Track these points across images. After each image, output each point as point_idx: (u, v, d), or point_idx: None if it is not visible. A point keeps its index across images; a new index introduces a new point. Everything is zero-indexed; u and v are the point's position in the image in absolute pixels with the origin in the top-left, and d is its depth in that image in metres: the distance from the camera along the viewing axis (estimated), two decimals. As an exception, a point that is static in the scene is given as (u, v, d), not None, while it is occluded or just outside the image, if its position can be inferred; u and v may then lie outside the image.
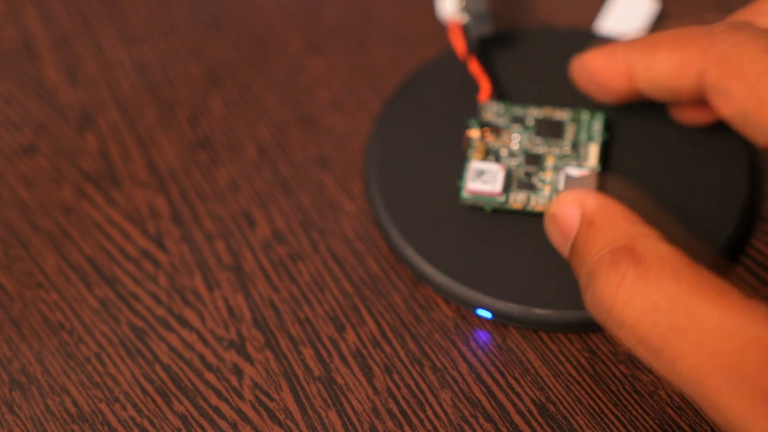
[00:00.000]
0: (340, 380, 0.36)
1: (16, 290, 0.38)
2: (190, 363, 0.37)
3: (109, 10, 0.45)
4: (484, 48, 0.42)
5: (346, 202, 0.40)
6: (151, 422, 0.36)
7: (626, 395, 0.35)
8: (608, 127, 0.40)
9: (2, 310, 0.38)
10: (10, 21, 0.45)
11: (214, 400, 0.36)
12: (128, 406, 0.36)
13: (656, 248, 0.31)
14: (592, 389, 0.36)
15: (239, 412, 0.36)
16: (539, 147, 0.39)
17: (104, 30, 0.45)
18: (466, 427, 0.35)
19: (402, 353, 0.37)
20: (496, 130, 0.39)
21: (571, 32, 0.43)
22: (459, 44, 0.41)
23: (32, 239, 0.39)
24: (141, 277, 0.38)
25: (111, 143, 0.42)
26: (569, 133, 0.39)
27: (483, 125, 0.39)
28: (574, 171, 0.38)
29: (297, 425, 0.35)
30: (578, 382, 0.36)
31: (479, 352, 0.36)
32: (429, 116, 0.41)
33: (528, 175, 0.38)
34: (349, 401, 0.36)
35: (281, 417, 0.36)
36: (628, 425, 0.35)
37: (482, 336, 0.37)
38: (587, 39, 0.42)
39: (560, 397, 0.36)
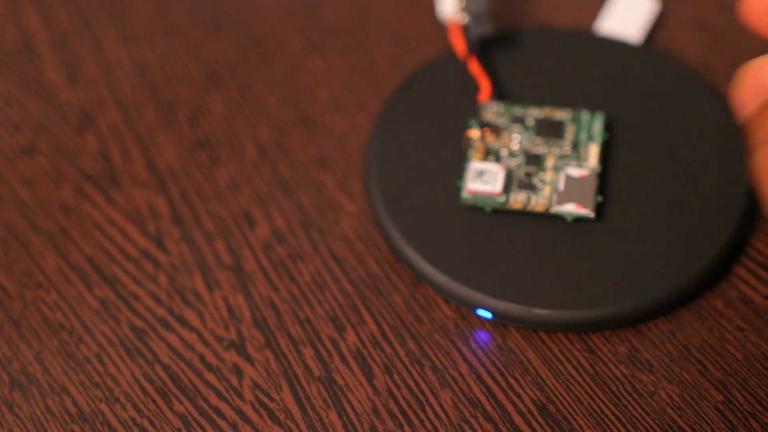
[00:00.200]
0: (340, 380, 0.36)
1: (16, 290, 0.38)
2: (190, 363, 0.37)
3: (109, 10, 0.45)
4: (484, 48, 0.42)
5: (346, 202, 0.40)
6: (151, 422, 0.36)
7: (626, 395, 0.35)
8: (608, 127, 0.40)
9: (2, 310, 0.38)
10: (10, 21, 0.45)
11: (214, 400, 0.36)
12: (128, 406, 0.36)
13: None
14: (592, 389, 0.36)
15: (239, 412, 0.36)
16: (539, 147, 0.39)
17: (104, 30, 0.45)
18: (466, 427, 0.35)
19: (402, 353, 0.37)
20: (496, 130, 0.39)
21: (571, 32, 0.43)
22: (459, 44, 0.41)
23: (32, 239, 0.39)
24: (141, 277, 0.38)
25: (111, 143, 0.42)
26: (569, 133, 0.39)
27: (483, 125, 0.39)
28: (574, 171, 0.38)
29: (297, 425, 0.35)
30: (578, 382, 0.36)
31: (479, 352, 0.36)
32: (429, 116, 0.40)
33: (528, 175, 0.38)
34: (349, 401, 0.36)
35: (281, 417, 0.35)
36: (628, 425, 0.35)
37: (482, 336, 0.37)
38: (587, 39, 0.42)
39: (560, 397, 0.36)
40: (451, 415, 0.35)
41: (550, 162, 0.39)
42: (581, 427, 0.35)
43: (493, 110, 0.40)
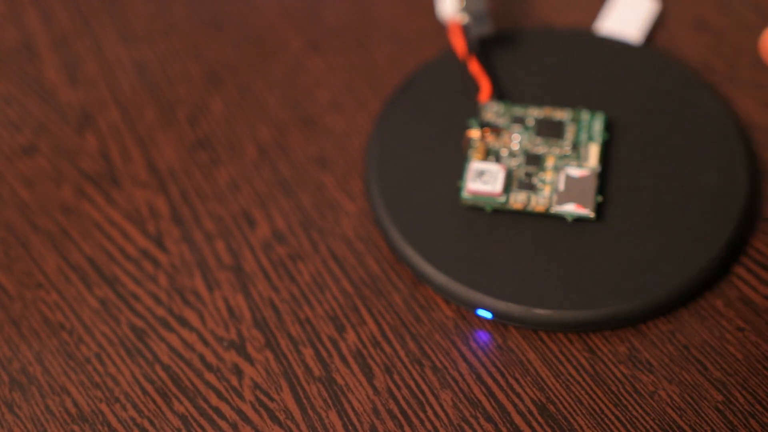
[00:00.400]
0: (340, 380, 0.36)
1: (16, 290, 0.38)
2: (190, 363, 0.37)
3: (109, 10, 0.45)
4: (484, 48, 0.42)
5: (346, 202, 0.40)
6: (152, 422, 0.36)
7: (626, 395, 0.35)
8: (608, 127, 0.40)
9: (2, 310, 0.38)
10: (10, 21, 0.45)
11: (214, 400, 0.36)
12: (128, 406, 0.36)
13: None
14: (592, 389, 0.36)
15: (239, 412, 0.36)
16: (539, 147, 0.39)
17: (104, 30, 0.45)
18: (466, 427, 0.35)
19: (402, 353, 0.37)
20: (496, 130, 0.39)
21: (571, 32, 0.43)
22: (459, 44, 0.41)
23: (32, 239, 0.39)
24: (141, 277, 0.38)
25: (111, 143, 0.42)
26: (569, 133, 0.39)
27: (483, 125, 0.39)
28: (574, 171, 0.38)
29: (297, 425, 0.35)
30: (578, 383, 0.36)
31: (479, 353, 0.36)
32: (429, 116, 0.40)
33: (528, 175, 0.38)
34: (349, 401, 0.36)
35: (281, 417, 0.35)
36: (628, 425, 0.35)
37: (482, 336, 0.37)
38: (587, 39, 0.42)
39: (560, 398, 0.36)
40: (451, 415, 0.35)
41: (550, 162, 0.39)
42: (581, 427, 0.35)
43: (493, 110, 0.40)
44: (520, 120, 0.40)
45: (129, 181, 0.41)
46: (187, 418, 0.36)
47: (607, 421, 0.35)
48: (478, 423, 0.35)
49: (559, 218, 0.38)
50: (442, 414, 0.35)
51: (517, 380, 0.36)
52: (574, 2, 0.45)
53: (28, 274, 0.39)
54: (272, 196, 0.40)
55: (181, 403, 0.36)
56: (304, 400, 0.36)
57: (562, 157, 0.39)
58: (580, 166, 0.38)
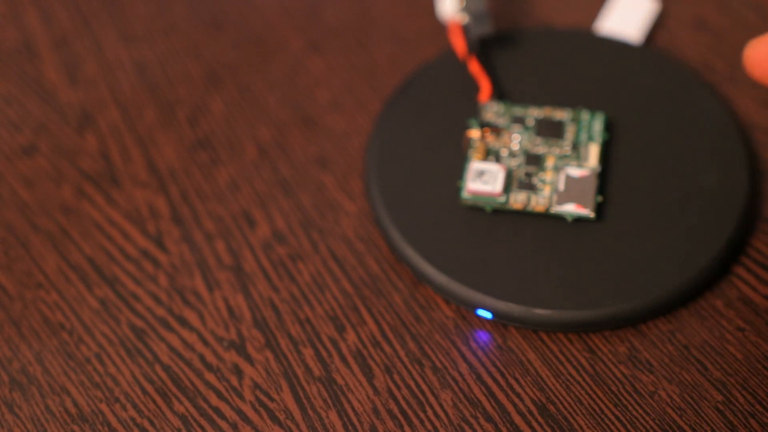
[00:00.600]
0: (340, 380, 0.36)
1: (16, 290, 0.38)
2: (190, 363, 0.37)
3: (109, 10, 0.45)
4: (484, 48, 0.42)
5: (346, 202, 0.40)
6: (152, 422, 0.35)
7: (626, 395, 0.35)
8: (608, 127, 0.40)
9: (2, 310, 0.38)
10: (10, 21, 0.45)
11: (214, 400, 0.36)
12: (128, 406, 0.36)
13: None
14: (592, 389, 0.36)
15: (239, 412, 0.36)
16: (539, 147, 0.39)
17: (104, 30, 0.45)
18: (466, 427, 0.35)
19: (402, 353, 0.37)
20: (496, 130, 0.39)
21: (571, 32, 0.43)
22: (459, 44, 0.41)
23: (32, 239, 0.39)
24: (141, 277, 0.38)
25: (111, 143, 0.42)
26: (569, 133, 0.39)
27: (483, 125, 0.39)
28: (574, 171, 0.38)
29: (297, 426, 0.35)
30: (578, 383, 0.36)
31: (479, 353, 0.36)
32: (429, 116, 0.40)
33: (528, 175, 0.38)
34: (349, 401, 0.36)
35: (281, 417, 0.35)
36: (628, 425, 0.35)
37: (482, 336, 0.37)
38: (587, 39, 0.42)
39: (560, 398, 0.36)
40: (451, 416, 0.35)
41: (550, 162, 0.39)
42: (581, 428, 0.35)
43: (493, 110, 0.40)
44: (520, 120, 0.40)
45: (129, 181, 0.41)
46: (187, 418, 0.36)
47: (607, 421, 0.35)
48: (478, 423, 0.35)
49: (559, 218, 0.38)
50: (442, 414, 0.35)
51: (517, 380, 0.36)
52: (574, 2, 0.45)
53: (28, 274, 0.39)
54: (272, 196, 0.40)
55: (181, 403, 0.36)
56: (304, 400, 0.36)
57: (562, 157, 0.39)
58: (580, 166, 0.38)
